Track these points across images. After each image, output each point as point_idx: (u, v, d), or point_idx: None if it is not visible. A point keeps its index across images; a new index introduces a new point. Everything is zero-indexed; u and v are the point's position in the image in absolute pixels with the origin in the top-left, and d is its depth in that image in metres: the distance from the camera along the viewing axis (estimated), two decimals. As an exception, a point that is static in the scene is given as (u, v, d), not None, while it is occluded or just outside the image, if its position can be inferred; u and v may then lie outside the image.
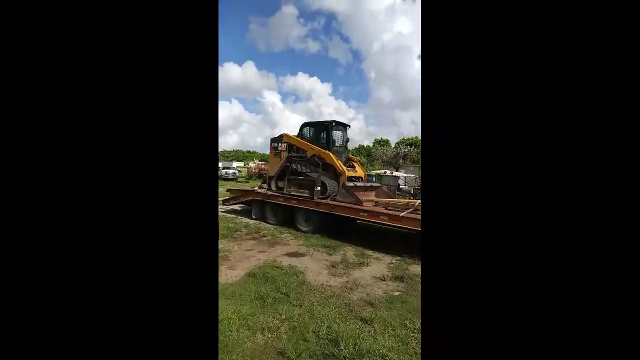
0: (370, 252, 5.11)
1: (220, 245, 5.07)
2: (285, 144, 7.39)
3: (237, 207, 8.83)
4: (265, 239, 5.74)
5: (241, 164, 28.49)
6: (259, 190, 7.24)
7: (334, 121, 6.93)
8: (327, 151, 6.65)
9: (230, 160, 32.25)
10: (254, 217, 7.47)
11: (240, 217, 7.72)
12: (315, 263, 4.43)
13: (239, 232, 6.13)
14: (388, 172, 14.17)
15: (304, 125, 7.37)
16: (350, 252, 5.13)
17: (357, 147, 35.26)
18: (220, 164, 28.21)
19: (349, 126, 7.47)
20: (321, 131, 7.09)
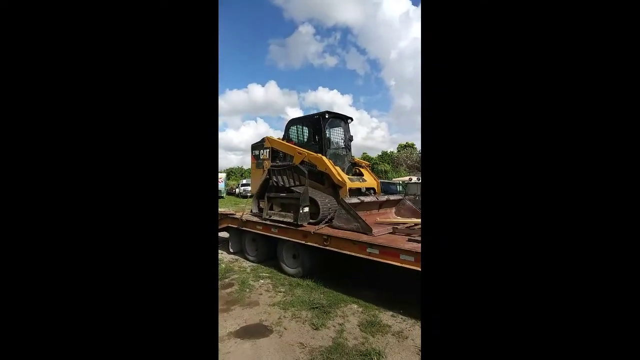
0: (387, 316, 2.99)
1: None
2: (268, 150, 5.53)
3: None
4: (227, 291, 3.80)
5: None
6: (236, 215, 5.38)
7: (328, 112, 4.96)
8: (319, 154, 4.66)
9: (256, 178, 31.31)
10: (231, 250, 5.60)
11: (220, 251, 5.89)
12: (279, 356, 2.39)
13: (199, 279, 4.26)
14: (415, 179, 11.67)
15: (290, 122, 5.48)
16: (354, 316, 3.03)
17: (380, 154, 32.72)
18: (244, 180, 27.51)
19: (351, 119, 5.46)
20: (312, 128, 5.15)
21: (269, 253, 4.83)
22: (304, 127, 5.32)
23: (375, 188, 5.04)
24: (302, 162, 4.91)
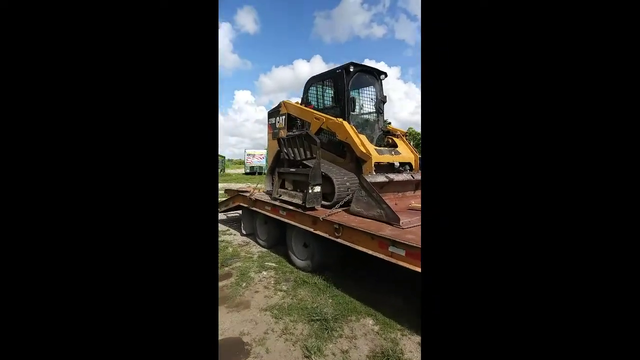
0: (414, 344, 2.07)
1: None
2: (284, 117, 4.69)
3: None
4: (221, 284, 3.19)
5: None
6: (246, 193, 4.74)
7: (353, 64, 3.87)
8: (340, 119, 3.68)
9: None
10: (243, 232, 5.04)
11: (232, 231, 5.39)
12: (243, 402, 1.66)
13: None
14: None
15: (310, 82, 4.50)
16: (365, 339, 2.17)
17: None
18: None
19: (385, 75, 4.28)
20: (334, 87, 4.13)
21: (280, 238, 4.13)
22: (325, 87, 4.32)
23: (413, 163, 3.93)
24: (321, 130, 3.99)
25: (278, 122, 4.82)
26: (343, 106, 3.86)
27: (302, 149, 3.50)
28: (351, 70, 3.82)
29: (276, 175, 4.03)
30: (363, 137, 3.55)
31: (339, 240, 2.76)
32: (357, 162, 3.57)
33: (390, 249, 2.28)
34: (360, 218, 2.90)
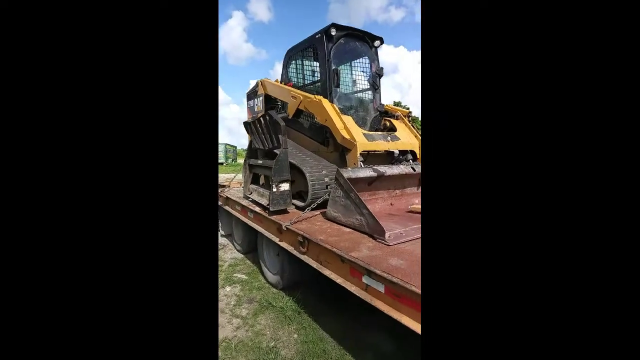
0: None
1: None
2: (261, 98, 3.95)
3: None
4: (171, 304, 2.60)
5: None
6: (221, 188, 4.08)
7: (335, 26, 3.04)
8: (319, 97, 2.90)
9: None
10: (221, 232, 4.43)
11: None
12: None
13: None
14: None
15: (288, 54, 3.71)
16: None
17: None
18: None
19: (381, 41, 3.41)
20: (314, 57, 3.33)
21: (251, 245, 3.47)
22: (304, 59, 3.52)
23: (417, 151, 3.11)
24: (300, 112, 3.24)
25: (256, 104, 4.09)
26: (324, 79, 3.07)
27: (268, 135, 2.77)
28: (333, 34, 3.00)
29: (247, 169, 3.34)
30: (348, 119, 2.77)
31: (303, 257, 2.05)
32: (342, 152, 2.81)
33: (365, 279, 1.55)
34: (338, 226, 2.18)
